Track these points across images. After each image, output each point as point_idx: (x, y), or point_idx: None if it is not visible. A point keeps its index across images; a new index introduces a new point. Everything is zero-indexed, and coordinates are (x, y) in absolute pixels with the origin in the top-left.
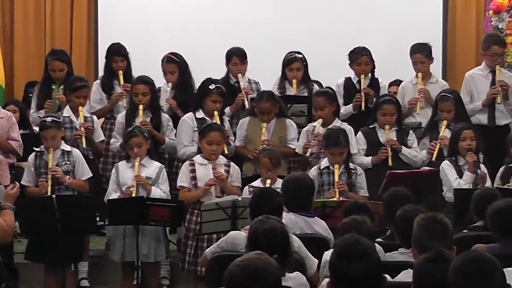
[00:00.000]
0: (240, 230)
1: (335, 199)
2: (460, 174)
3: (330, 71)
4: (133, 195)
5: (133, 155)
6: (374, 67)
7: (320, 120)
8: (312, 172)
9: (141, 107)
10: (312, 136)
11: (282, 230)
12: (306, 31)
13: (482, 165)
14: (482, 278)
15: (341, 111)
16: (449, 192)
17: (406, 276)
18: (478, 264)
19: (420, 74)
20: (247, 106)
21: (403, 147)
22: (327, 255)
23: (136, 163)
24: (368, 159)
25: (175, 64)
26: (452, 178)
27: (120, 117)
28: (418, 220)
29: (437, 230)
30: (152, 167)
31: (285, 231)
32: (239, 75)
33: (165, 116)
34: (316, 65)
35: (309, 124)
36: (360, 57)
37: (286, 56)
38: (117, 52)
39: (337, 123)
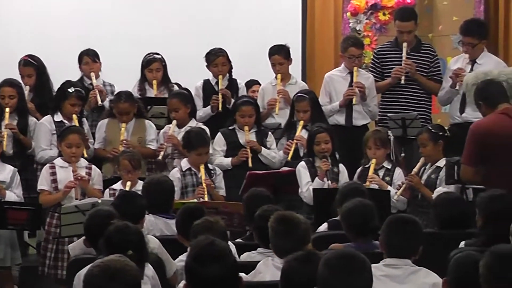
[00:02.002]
0: None
1: (195, 200)
2: (316, 176)
3: (190, 73)
4: None
5: None
6: (231, 68)
7: (175, 122)
8: (175, 174)
9: (7, 110)
10: (166, 138)
11: (135, 228)
12: (165, 32)
13: (341, 165)
14: (349, 273)
15: (200, 113)
16: (304, 192)
17: (262, 267)
18: (348, 260)
19: (279, 75)
20: (99, 103)
21: (262, 148)
22: (181, 260)
23: None
24: (228, 160)
25: (32, 67)
26: (304, 182)
27: None
28: (270, 222)
29: (286, 231)
30: (5, 171)
31: (138, 229)
32: (92, 74)
33: (32, 120)
34: (176, 66)
35: (166, 126)
36: (216, 58)
37: (145, 58)
38: None
39: (193, 123)
